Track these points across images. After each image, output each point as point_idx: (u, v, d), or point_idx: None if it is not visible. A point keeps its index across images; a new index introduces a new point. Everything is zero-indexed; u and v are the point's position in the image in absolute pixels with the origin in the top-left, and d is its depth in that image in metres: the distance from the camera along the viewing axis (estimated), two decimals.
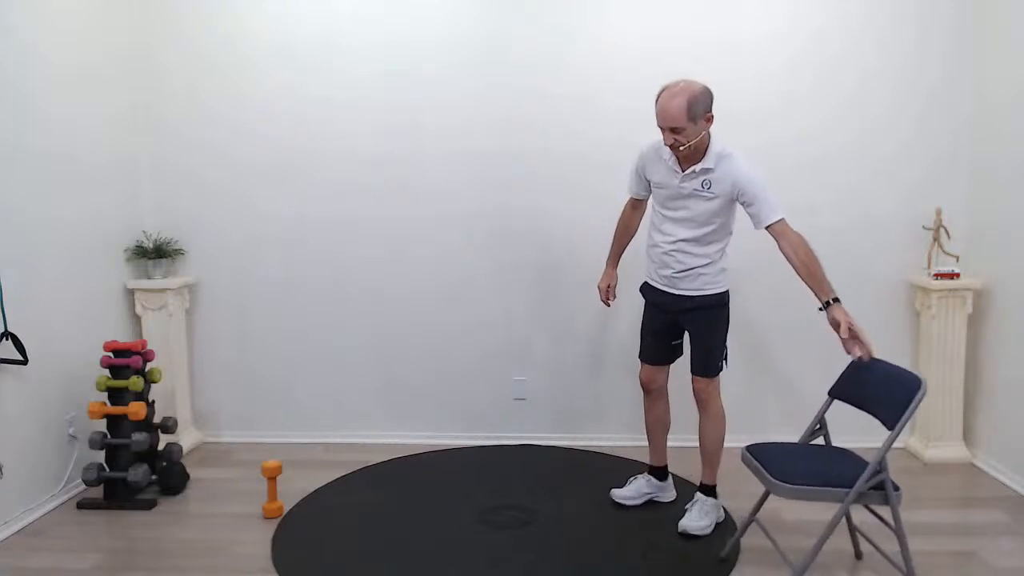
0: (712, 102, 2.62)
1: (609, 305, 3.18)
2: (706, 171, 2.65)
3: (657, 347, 2.99)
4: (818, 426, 2.58)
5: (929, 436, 3.61)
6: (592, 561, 2.67)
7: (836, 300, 2.46)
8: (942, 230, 3.58)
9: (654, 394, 3.04)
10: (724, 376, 3.75)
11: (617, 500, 3.09)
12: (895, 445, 2.30)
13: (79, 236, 3.36)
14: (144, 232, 3.78)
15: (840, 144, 3.65)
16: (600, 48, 3.66)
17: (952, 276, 3.47)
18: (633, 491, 3.10)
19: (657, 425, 3.08)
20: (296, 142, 3.77)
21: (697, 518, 2.84)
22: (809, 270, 2.52)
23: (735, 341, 3.75)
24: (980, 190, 3.57)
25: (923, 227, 3.64)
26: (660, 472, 3.11)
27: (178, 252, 3.81)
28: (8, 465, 2.92)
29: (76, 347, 3.30)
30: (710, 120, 2.61)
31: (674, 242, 2.78)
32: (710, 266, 2.77)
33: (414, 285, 3.84)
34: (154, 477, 3.23)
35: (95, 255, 3.48)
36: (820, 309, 2.50)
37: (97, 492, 3.20)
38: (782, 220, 2.60)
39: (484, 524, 2.95)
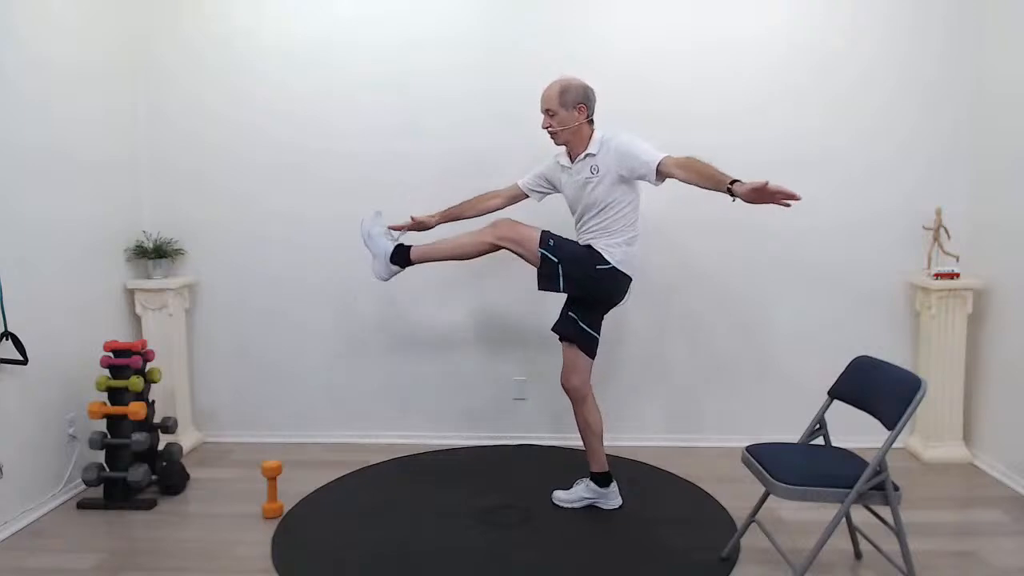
0: (589, 99, 2.83)
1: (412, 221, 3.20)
2: (590, 156, 2.83)
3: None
4: (818, 426, 2.58)
5: (929, 436, 3.61)
6: (592, 561, 2.67)
7: (736, 180, 2.40)
8: (942, 230, 3.58)
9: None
10: (726, 375, 3.80)
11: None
12: (895, 445, 2.30)
13: (79, 236, 3.36)
14: (144, 232, 3.78)
15: (839, 143, 3.65)
16: (601, 47, 3.66)
17: (952, 276, 3.46)
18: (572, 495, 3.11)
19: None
20: (296, 142, 3.77)
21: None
22: (706, 175, 2.51)
23: (737, 341, 3.78)
24: (980, 190, 3.57)
25: (923, 227, 3.64)
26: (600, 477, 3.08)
27: (178, 252, 3.81)
28: (8, 465, 2.92)
29: (76, 347, 3.29)
30: (582, 111, 2.82)
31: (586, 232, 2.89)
32: (606, 239, 2.83)
33: (414, 285, 3.83)
34: (154, 477, 3.23)
35: (95, 255, 3.48)
36: (733, 200, 2.42)
37: (97, 492, 3.20)
38: (666, 156, 2.63)
39: (484, 524, 2.95)
